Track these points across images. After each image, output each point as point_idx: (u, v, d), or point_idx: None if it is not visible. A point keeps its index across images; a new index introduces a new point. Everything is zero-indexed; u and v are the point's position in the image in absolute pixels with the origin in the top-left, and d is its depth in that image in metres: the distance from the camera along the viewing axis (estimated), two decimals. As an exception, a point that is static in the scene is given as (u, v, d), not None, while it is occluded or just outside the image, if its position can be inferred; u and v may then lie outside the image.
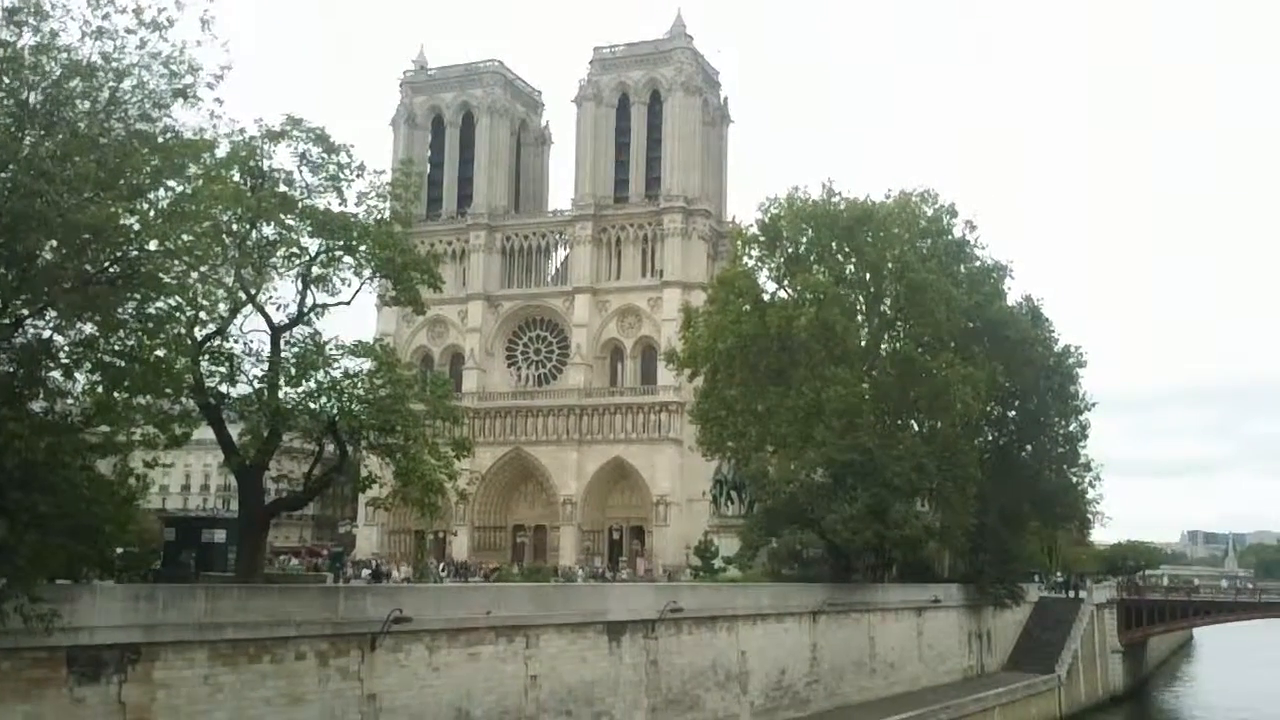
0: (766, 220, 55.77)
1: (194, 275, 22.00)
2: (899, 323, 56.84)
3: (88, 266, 19.27)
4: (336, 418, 26.20)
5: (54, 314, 19.96)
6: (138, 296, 20.49)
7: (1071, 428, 68.12)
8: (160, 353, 21.51)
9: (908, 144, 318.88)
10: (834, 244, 55.17)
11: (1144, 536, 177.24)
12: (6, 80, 19.23)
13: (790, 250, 55.42)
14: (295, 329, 27.22)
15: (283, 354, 26.48)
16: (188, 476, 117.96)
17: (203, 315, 23.60)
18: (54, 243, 19.01)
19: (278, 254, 26.54)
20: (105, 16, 19.92)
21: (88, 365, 20.75)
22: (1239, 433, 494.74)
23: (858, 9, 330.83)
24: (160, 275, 20.27)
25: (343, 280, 27.72)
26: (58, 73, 19.62)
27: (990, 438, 66.47)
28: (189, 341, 23.59)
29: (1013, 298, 65.00)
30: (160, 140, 20.85)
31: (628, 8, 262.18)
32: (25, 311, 19.58)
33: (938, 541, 58.20)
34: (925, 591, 56.57)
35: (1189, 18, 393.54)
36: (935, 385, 53.23)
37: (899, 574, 57.16)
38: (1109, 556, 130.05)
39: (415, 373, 45.27)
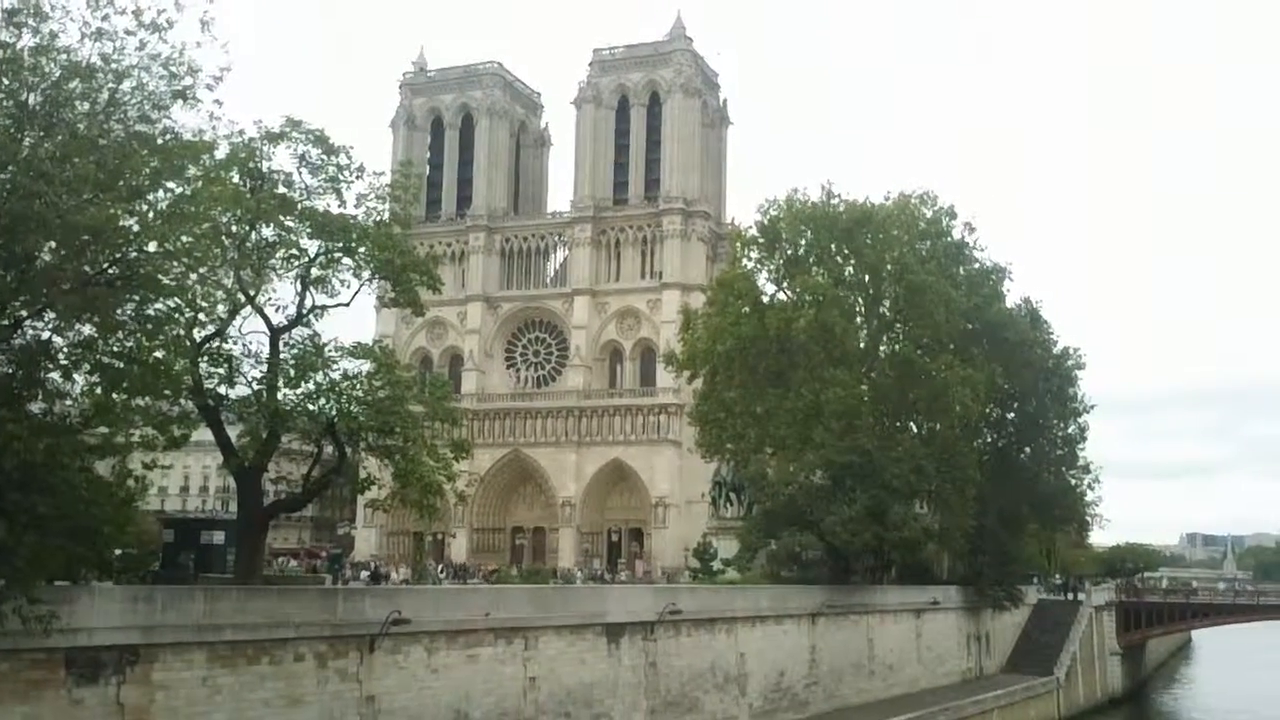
0: (766, 222, 55.81)
1: (193, 277, 21.99)
2: (898, 325, 56.86)
3: (87, 268, 19.26)
4: (335, 419, 26.19)
5: (53, 315, 19.95)
6: (137, 298, 20.49)
7: (1070, 430, 68.20)
8: (159, 354, 21.50)
9: (908, 145, 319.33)
10: (833, 246, 55.21)
11: (1143, 539, 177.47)
12: (6, 81, 19.23)
13: (789, 252, 55.46)
14: (294, 330, 27.23)
15: (282, 355, 26.47)
16: (186, 478, 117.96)
17: (202, 317, 23.59)
18: (53, 244, 19.01)
19: (277, 255, 26.55)
20: (105, 18, 19.93)
21: (87, 366, 20.73)
22: (1238, 435, 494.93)
23: (857, 11, 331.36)
24: (159, 277, 20.27)
25: (342, 282, 27.76)
26: (57, 74, 19.61)
27: (989, 440, 66.52)
28: (188, 343, 23.59)
29: (1012, 299, 65.20)
30: (160, 142, 20.85)
31: (627, 10, 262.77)
32: (24, 313, 19.57)
33: (936, 543, 58.22)
34: (924, 593, 56.58)
35: (1189, 18, 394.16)
36: (934, 387, 53.25)
37: (898, 576, 57.17)
38: (1108, 559, 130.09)
39: (414, 374, 45.17)
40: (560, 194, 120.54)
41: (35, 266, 18.91)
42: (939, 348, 54.45)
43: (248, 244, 25.93)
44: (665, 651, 36.55)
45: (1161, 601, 78.18)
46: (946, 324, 53.78)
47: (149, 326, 20.90)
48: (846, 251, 55.46)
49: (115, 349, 20.76)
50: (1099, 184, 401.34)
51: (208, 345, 25.03)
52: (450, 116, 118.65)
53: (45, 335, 20.43)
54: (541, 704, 31.23)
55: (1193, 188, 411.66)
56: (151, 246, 20.22)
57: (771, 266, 56.10)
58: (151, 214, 20.42)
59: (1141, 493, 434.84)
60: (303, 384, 25.95)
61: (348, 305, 28.21)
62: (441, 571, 69.58)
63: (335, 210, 27.43)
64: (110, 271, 19.74)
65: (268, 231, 26.38)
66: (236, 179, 25.33)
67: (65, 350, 20.56)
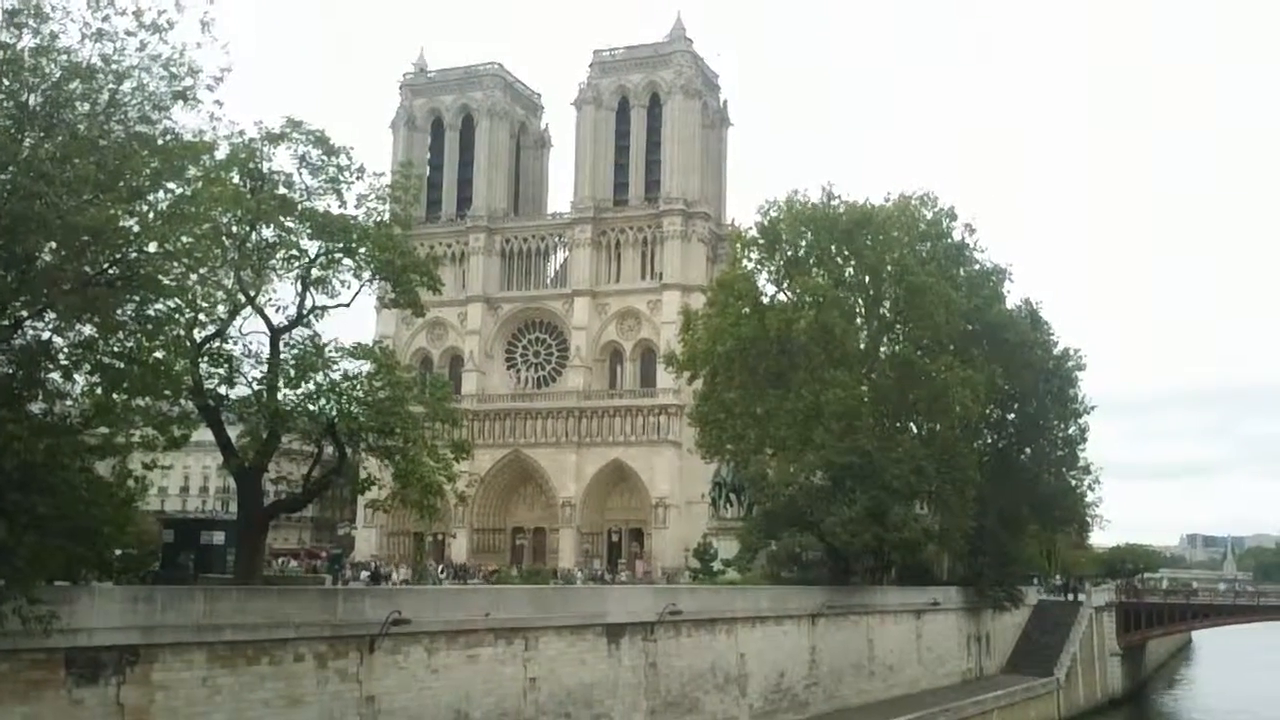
0: (766, 223, 55.82)
1: (193, 277, 22.00)
2: (898, 326, 56.87)
3: (87, 268, 19.27)
4: (335, 420, 26.19)
5: (53, 316, 19.96)
6: (137, 298, 20.50)
7: (1070, 430, 68.23)
8: (159, 354, 21.51)
9: (908, 146, 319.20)
10: (833, 247, 55.22)
11: (1143, 539, 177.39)
12: (6, 82, 19.25)
13: (789, 253, 55.47)
14: (294, 331, 27.22)
15: (282, 356, 26.47)
16: (186, 478, 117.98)
17: (202, 317, 23.58)
18: (53, 244, 19.02)
19: (277, 256, 26.54)
20: (105, 19, 19.95)
21: (87, 367, 20.74)
22: (1237, 434, 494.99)
23: (857, 12, 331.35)
24: (159, 277, 20.28)
25: (342, 282, 27.75)
26: (57, 75, 19.63)
27: (989, 440, 66.54)
28: (188, 343, 23.59)
29: (1012, 300, 65.26)
30: (160, 142, 20.86)
31: (627, 11, 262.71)
32: (24, 313, 19.58)
33: (937, 544, 58.23)
34: (924, 594, 56.58)
35: (1189, 18, 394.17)
36: (934, 388, 53.25)
37: (898, 577, 57.16)
38: (1108, 559, 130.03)
39: (414, 375, 45.18)
40: (560, 195, 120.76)
41: (36, 267, 18.92)
42: (939, 349, 54.46)
43: (248, 244, 25.93)
44: (665, 652, 36.56)
45: (1161, 602, 78.19)
46: (946, 325, 53.79)
47: (149, 327, 20.90)
48: (846, 252, 55.47)
49: (115, 349, 20.78)
50: (1099, 184, 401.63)
51: (208, 346, 25.02)
52: (450, 117, 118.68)
53: (46, 335, 20.45)
54: (541, 704, 31.24)
55: (1193, 188, 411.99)
56: (152, 247, 20.23)
57: (771, 267, 56.12)
58: (152, 214, 20.43)
59: (1141, 493, 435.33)
60: (303, 384, 25.95)
61: (348, 306, 28.23)
62: (442, 572, 69.59)
63: (335, 211, 27.44)
64: (110, 272, 19.75)
65: (268, 232, 26.39)
66: (237, 180, 25.33)
67: (65, 350, 20.58)
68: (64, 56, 19.79)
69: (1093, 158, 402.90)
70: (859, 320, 56.43)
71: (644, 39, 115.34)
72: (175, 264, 20.72)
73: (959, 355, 55.19)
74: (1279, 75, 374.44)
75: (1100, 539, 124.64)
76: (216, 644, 23.10)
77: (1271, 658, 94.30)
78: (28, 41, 19.55)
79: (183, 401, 25.30)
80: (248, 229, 25.83)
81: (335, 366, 26.52)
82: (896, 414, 58.07)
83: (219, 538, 30.28)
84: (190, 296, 22.04)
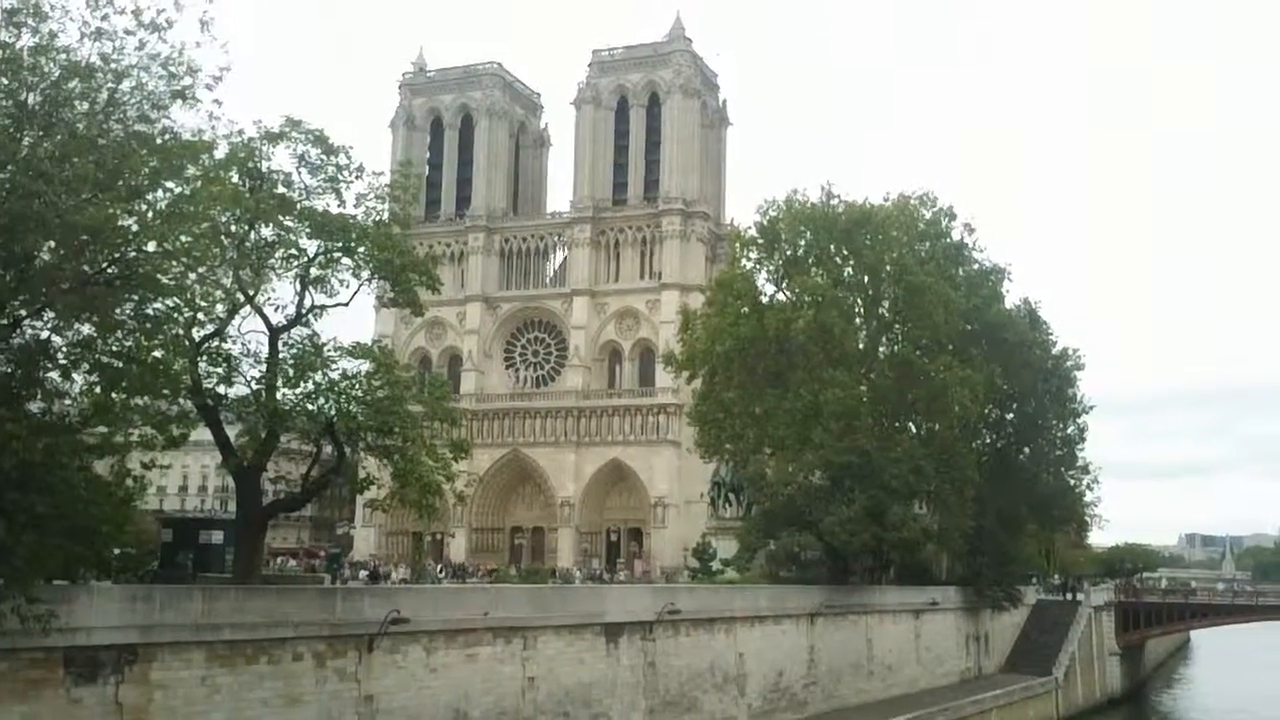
0: (765, 223, 55.84)
1: (192, 276, 21.99)
2: (897, 325, 56.87)
3: (86, 267, 19.27)
4: (334, 419, 26.19)
5: (52, 315, 19.96)
6: (136, 297, 20.49)
7: (1069, 430, 68.23)
8: (158, 354, 21.50)
9: (907, 146, 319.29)
10: (832, 247, 55.23)
11: (1142, 539, 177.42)
12: (5, 81, 19.24)
13: (789, 253, 55.49)
14: (293, 330, 27.21)
15: (281, 355, 26.46)
16: (185, 478, 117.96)
17: (201, 316, 23.57)
18: (52, 244, 19.02)
19: (276, 255, 26.53)
20: (104, 18, 19.94)
21: (85, 366, 20.73)
22: (1236, 434, 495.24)
23: (857, 11, 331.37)
24: (158, 276, 20.27)
25: (341, 282, 27.73)
26: (56, 74, 19.62)
27: (988, 440, 66.55)
28: (187, 342, 23.58)
29: (1011, 300, 65.28)
30: (159, 141, 20.85)
31: (627, 10, 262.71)
32: (23, 312, 19.58)
33: (935, 544, 58.23)
34: (923, 594, 56.59)
35: (1189, 18, 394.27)
36: (933, 388, 53.26)
37: (897, 576, 57.16)
38: (1107, 559, 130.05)
39: (413, 374, 45.17)
40: (559, 194, 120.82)
41: (34, 266, 18.92)
42: (938, 348, 54.47)
43: (247, 244, 25.92)
44: (664, 651, 36.56)
45: (1160, 602, 78.16)
46: (945, 325, 53.79)
47: (148, 326, 20.90)
48: (846, 252, 55.48)
49: (114, 348, 20.77)
50: (1099, 184, 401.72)
51: (207, 345, 25.01)
52: (450, 117, 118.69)
53: (44, 334, 20.44)
54: (540, 704, 31.24)
55: (1193, 188, 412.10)
56: (151, 246, 20.23)
57: (770, 267, 56.14)
58: (150, 214, 20.42)
59: (1140, 493, 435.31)
60: (302, 384, 25.94)
61: (347, 305, 28.22)
62: (440, 571, 69.65)
63: (334, 210, 27.43)
64: (109, 271, 19.75)
65: (267, 231, 26.39)
66: (236, 179, 25.32)
67: (64, 349, 20.57)
68: (63, 55, 19.79)
69: (1093, 158, 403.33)
70: (858, 320, 56.44)
71: (643, 39, 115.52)
72: (174, 263, 20.72)
73: (958, 355, 55.19)
74: (1279, 75, 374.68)
75: (1099, 538, 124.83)
76: (215, 643, 23.09)
77: (1270, 657, 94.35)
78: (27, 40, 19.56)
79: (181, 401, 25.29)
80: (246, 228, 25.82)
81: (334, 366, 26.52)
82: (895, 414, 58.08)
83: (218, 537, 30.31)
84: (189, 296, 22.04)
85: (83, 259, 19.14)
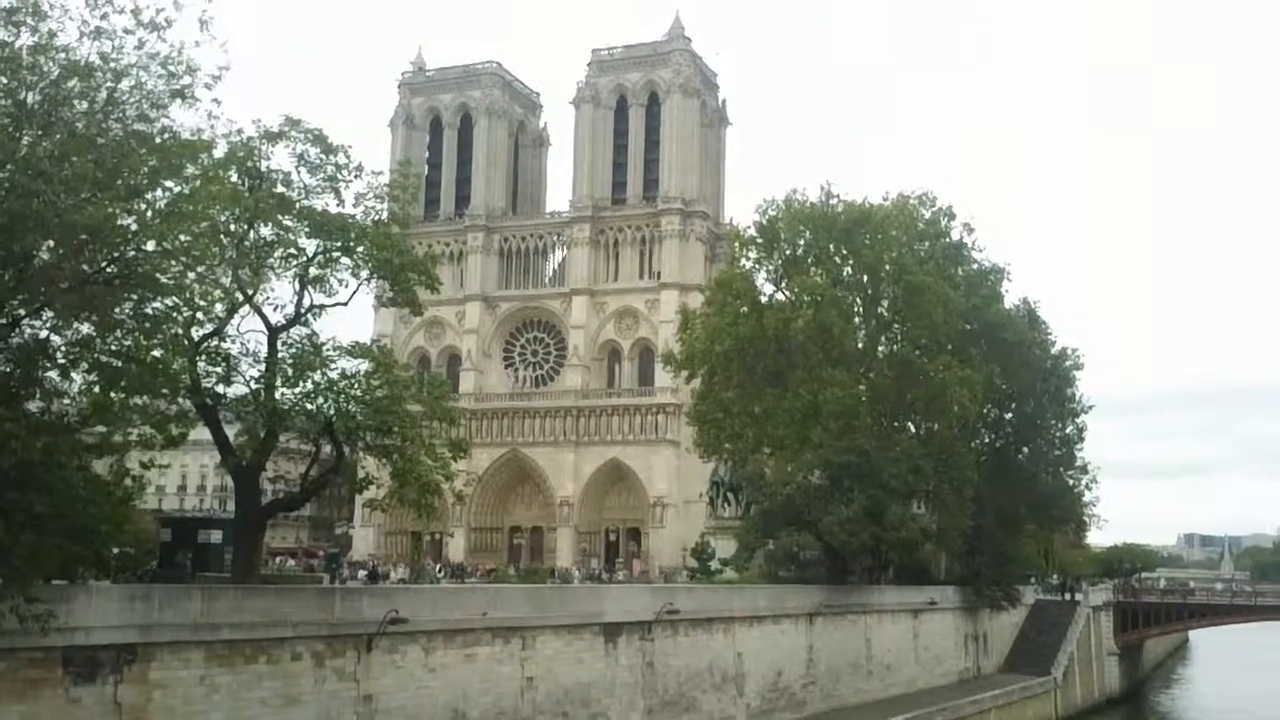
0: (764, 222, 55.82)
1: (191, 276, 21.97)
2: (896, 325, 56.84)
3: (85, 267, 19.25)
4: (333, 419, 26.17)
5: (51, 314, 19.94)
6: (135, 297, 20.47)
7: (1068, 430, 68.21)
8: (157, 353, 21.47)
9: (907, 146, 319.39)
10: (831, 246, 55.19)
11: (1140, 539, 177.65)
12: (4, 80, 19.23)
13: (788, 252, 55.46)
14: (292, 330, 27.19)
15: (280, 355, 26.44)
16: (184, 477, 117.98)
17: (200, 316, 23.54)
18: (51, 243, 19.00)
19: (275, 255, 26.51)
20: (103, 17, 19.92)
21: (84, 365, 20.71)
22: (1235, 434, 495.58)
23: (857, 11, 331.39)
24: (157, 275, 20.25)
25: (340, 281, 27.71)
26: (55, 73, 19.61)
27: (987, 440, 66.53)
28: (186, 342, 23.54)
29: (1010, 300, 65.24)
30: (158, 141, 20.84)
31: (626, 10, 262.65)
32: (22, 311, 19.56)
33: (934, 544, 58.23)
34: (922, 594, 56.59)
35: (1189, 18, 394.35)
36: (932, 387, 53.24)
37: (895, 576, 57.16)
38: (1105, 559, 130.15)
39: (412, 374, 45.18)
40: (559, 194, 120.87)
41: (33, 265, 18.90)
42: (937, 348, 54.45)
43: (246, 243, 25.90)
44: (663, 651, 36.55)
45: (1159, 602, 78.20)
46: (945, 324, 53.76)
47: (147, 325, 20.88)
48: (845, 252, 55.44)
49: (113, 348, 20.75)
50: (1099, 184, 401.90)
51: (206, 344, 24.98)
52: (449, 116, 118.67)
53: (43, 334, 20.42)
54: (539, 704, 31.23)
55: (1192, 188, 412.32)
56: (150, 245, 20.21)
57: (770, 267, 56.11)
58: (150, 213, 20.41)
59: (1139, 493, 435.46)
60: (301, 383, 25.92)
61: (346, 305, 28.20)
62: (439, 571, 69.66)
63: (334, 209, 27.42)
64: (108, 270, 19.74)
65: (266, 230, 26.37)
66: (235, 178, 25.31)
67: (63, 349, 20.56)
68: (62, 54, 19.77)
69: (1093, 158, 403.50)
70: (857, 319, 56.41)
71: (642, 38, 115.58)
72: (173, 262, 20.70)
73: (957, 355, 55.17)
74: (1279, 75, 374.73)
75: (1098, 538, 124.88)
76: (214, 643, 23.08)
77: (1268, 657, 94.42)
78: (26, 39, 19.54)
79: (180, 400, 25.26)
80: (246, 227, 25.81)
81: (333, 365, 26.51)
82: (894, 413, 58.07)
83: (216, 536, 30.25)
84: (188, 295, 22.02)
85: (82, 258, 19.13)
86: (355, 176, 27.72)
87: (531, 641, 31.29)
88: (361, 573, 56.94)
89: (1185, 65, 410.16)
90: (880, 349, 57.37)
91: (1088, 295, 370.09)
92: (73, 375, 21.04)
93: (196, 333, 24.40)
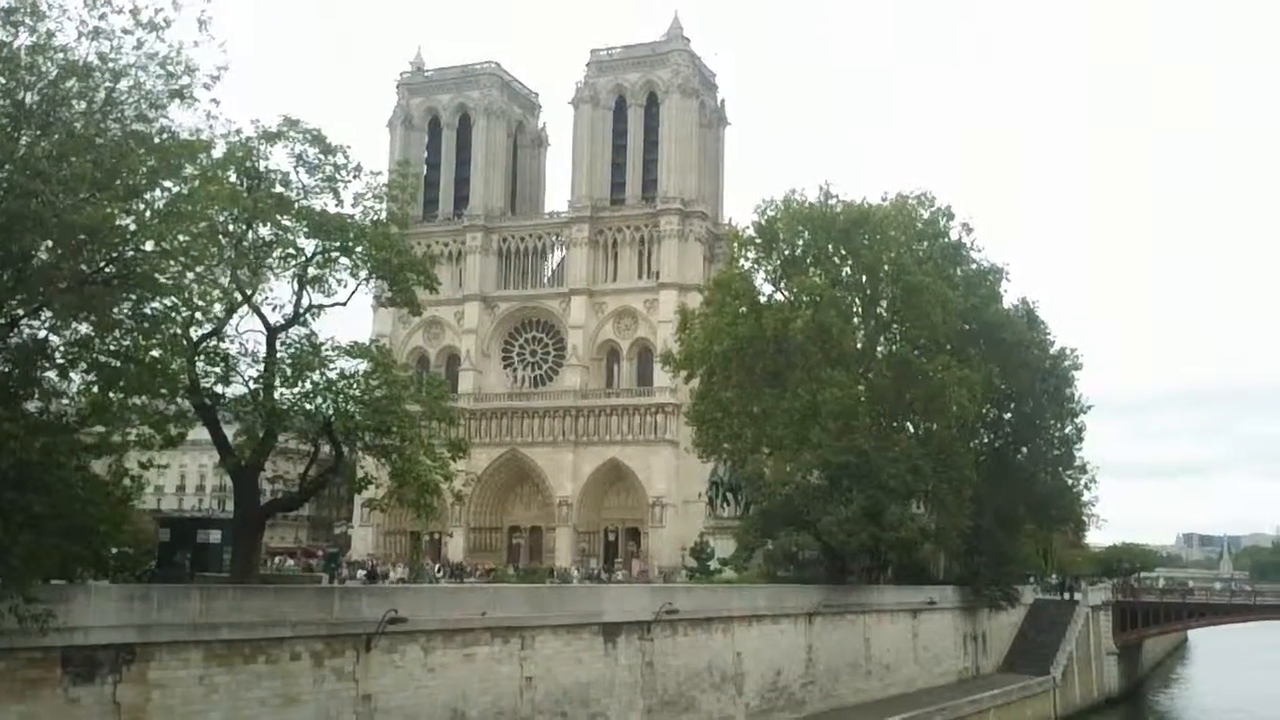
0: (763, 222, 55.81)
1: (190, 276, 21.97)
2: (895, 325, 56.84)
3: (83, 267, 19.25)
4: (332, 418, 26.17)
5: (49, 314, 19.93)
6: (133, 297, 20.47)
7: (1067, 430, 68.23)
8: (156, 353, 21.46)
9: (906, 146, 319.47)
10: (830, 246, 55.20)
11: (1139, 539, 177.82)
12: (2, 80, 19.22)
13: (787, 253, 55.46)
14: (291, 330, 27.17)
15: (278, 355, 26.43)
16: (183, 477, 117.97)
17: (198, 316, 23.54)
18: (50, 243, 18.99)
19: (274, 255, 26.50)
20: (102, 17, 19.91)
21: (83, 365, 20.70)
22: (1234, 434, 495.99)
23: (856, 11, 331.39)
24: (156, 276, 20.24)
25: (339, 281, 27.71)
26: (54, 73, 19.60)
27: (986, 440, 66.54)
28: (185, 342, 23.53)
29: (1009, 300, 65.29)
30: (156, 141, 20.83)
31: (625, 10, 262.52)
32: (21, 311, 19.55)
33: (933, 544, 58.22)
34: (920, 593, 56.61)
35: (1189, 18, 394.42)
36: (931, 387, 53.24)
37: (894, 576, 57.18)
38: (1104, 559, 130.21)
39: (411, 374, 45.11)
40: (558, 194, 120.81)
41: (32, 265, 18.89)
42: (936, 348, 54.45)
43: (245, 243, 25.89)
44: (662, 651, 36.56)
45: (1158, 601, 78.20)
46: (943, 324, 53.77)
47: (146, 325, 20.87)
48: (844, 252, 55.44)
49: (112, 348, 20.74)
50: (1099, 184, 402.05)
51: (204, 344, 24.97)
52: (448, 116, 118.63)
53: (42, 334, 20.42)
54: (538, 703, 31.23)
55: (1193, 188, 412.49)
56: (148, 245, 20.20)
57: (769, 267, 56.11)
58: (148, 213, 20.40)
59: (1138, 493, 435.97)
60: (299, 383, 25.90)
61: (345, 305, 28.20)
62: (438, 571, 69.67)
63: (332, 209, 27.40)
64: (107, 270, 19.73)
65: (265, 231, 26.36)
66: (233, 178, 25.30)
67: (62, 349, 20.55)
68: (60, 54, 19.76)
69: (1093, 158, 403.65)
70: (856, 320, 56.41)
71: (641, 38, 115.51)
72: (172, 262, 20.69)
73: (956, 355, 55.19)
74: (1279, 75, 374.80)
75: (1097, 538, 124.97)
76: (213, 643, 23.08)
77: (1267, 657, 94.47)
78: (24, 39, 19.53)
79: (179, 400, 25.25)
80: (244, 227, 25.80)
81: (332, 365, 26.49)
82: (893, 413, 58.07)
83: (215, 536, 30.23)
84: (187, 295, 22.01)
85: (80, 258, 19.12)
86: (354, 176, 27.72)
87: (530, 641, 31.29)
88: (360, 572, 56.97)
89: (1185, 65, 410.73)
90: (879, 349, 57.37)
91: (1087, 295, 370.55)
92: (71, 375, 21.04)
93: (195, 333, 24.39)
